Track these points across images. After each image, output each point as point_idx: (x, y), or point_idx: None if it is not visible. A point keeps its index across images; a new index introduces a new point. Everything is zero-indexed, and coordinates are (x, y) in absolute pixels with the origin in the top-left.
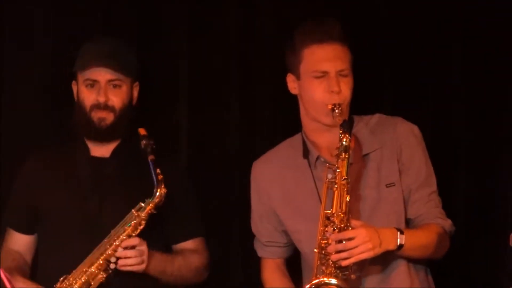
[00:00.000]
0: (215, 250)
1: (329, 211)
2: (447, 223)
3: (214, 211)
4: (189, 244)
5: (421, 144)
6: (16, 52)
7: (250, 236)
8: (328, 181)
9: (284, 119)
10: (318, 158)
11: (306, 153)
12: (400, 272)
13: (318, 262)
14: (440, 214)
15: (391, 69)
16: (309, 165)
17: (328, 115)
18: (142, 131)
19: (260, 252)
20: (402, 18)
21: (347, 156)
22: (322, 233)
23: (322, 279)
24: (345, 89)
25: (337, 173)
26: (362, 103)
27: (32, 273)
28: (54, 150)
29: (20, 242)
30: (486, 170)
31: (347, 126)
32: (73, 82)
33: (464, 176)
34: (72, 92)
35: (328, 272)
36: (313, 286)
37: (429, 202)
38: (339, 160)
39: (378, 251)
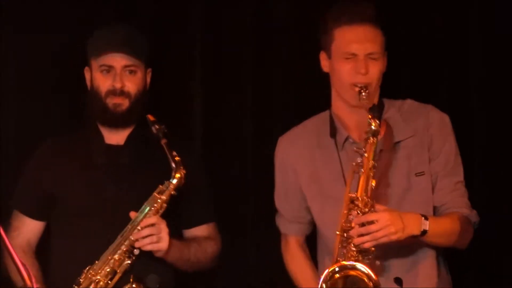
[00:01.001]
0: (229, 234)
1: (354, 195)
2: (472, 213)
3: (228, 195)
4: (201, 229)
5: (452, 133)
6: (24, 38)
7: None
8: (355, 165)
9: (299, 102)
10: (347, 138)
11: (333, 132)
12: (428, 262)
13: (340, 245)
14: (465, 204)
15: (409, 58)
16: (336, 145)
17: (355, 97)
18: (150, 117)
19: (283, 229)
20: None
21: (375, 141)
22: (345, 217)
23: (350, 262)
24: (373, 72)
25: (364, 157)
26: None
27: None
28: (67, 137)
29: (28, 227)
30: (503, 165)
31: (376, 111)
32: (86, 68)
33: (481, 171)
34: (82, 78)
35: (349, 255)
36: (337, 268)
37: (455, 191)
38: (367, 144)
39: (400, 235)
